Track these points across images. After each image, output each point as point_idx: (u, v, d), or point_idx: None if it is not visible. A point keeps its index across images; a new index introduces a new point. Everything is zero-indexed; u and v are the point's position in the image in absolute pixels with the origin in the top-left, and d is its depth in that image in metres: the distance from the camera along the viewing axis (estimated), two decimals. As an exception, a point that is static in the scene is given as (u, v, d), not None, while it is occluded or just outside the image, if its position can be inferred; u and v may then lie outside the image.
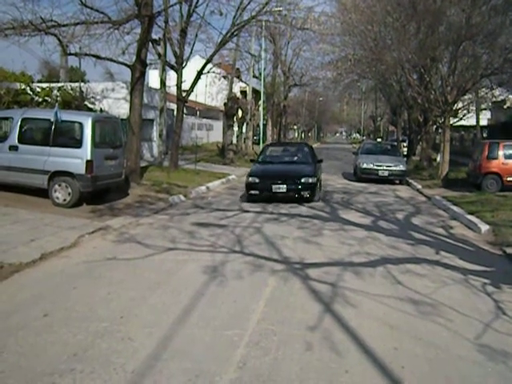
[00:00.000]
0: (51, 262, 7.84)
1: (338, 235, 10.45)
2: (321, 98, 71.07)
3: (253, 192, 14.61)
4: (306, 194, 14.51)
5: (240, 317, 5.79)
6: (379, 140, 50.77)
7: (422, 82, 23.43)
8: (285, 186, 14.38)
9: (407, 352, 4.98)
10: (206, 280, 7.10)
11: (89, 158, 11.61)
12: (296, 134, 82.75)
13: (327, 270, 7.81)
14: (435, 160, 27.88)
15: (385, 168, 21.34)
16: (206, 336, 5.20)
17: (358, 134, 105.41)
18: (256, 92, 39.65)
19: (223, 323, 5.56)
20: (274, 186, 14.38)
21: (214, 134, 45.57)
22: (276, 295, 6.61)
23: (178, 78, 22.12)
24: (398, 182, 21.74)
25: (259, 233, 10.43)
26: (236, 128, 35.44)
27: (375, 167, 21.47)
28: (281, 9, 23.92)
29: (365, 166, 21.72)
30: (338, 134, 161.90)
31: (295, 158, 16.94)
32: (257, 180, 14.60)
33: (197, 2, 20.66)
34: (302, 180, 14.55)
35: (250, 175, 15.01)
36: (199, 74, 21.69)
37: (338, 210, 13.85)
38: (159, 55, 23.08)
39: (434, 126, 27.53)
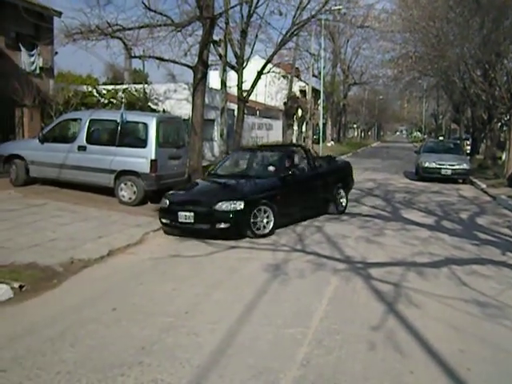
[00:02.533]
0: (118, 258, 8.11)
1: (400, 235, 10.32)
2: (381, 97, 70.12)
3: (163, 220, 10.07)
4: (222, 226, 9.44)
5: (303, 315, 5.82)
6: (441, 138, 49.61)
7: (487, 78, 22.76)
8: (193, 213, 9.58)
9: (473, 354, 4.89)
10: (269, 278, 7.16)
11: (153, 157, 11.90)
12: (356, 133, 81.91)
13: (390, 269, 7.73)
14: (500, 158, 27.03)
15: (447, 167, 20.85)
16: (269, 333, 5.26)
17: (418, 133, 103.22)
18: (315, 91, 39.52)
19: (286, 321, 5.60)
20: (180, 214, 9.67)
21: (274, 133, 45.59)
22: (338, 294, 6.61)
23: (238, 78, 22.31)
24: (461, 181, 21.18)
25: (320, 232, 10.42)
26: (296, 127, 35.42)
27: (438, 166, 21.00)
28: (340, 7, 23.79)
29: (427, 164, 21.28)
30: (398, 133, 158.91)
31: (257, 171, 11.81)
32: (167, 203, 10.15)
33: (257, 3, 20.76)
34: (217, 206, 9.50)
35: (164, 196, 10.55)
36: (259, 74, 21.79)
37: (399, 209, 13.65)
38: (220, 56, 23.33)
39: (499, 124, 26.68)
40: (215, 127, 27.91)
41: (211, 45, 19.44)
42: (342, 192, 12.67)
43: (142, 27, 15.81)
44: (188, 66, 17.35)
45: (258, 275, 7.29)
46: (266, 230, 9.89)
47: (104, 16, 15.42)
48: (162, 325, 5.38)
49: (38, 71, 20.38)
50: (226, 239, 9.42)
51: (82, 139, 12.64)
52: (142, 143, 12.08)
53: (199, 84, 16.79)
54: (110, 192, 12.37)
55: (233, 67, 23.08)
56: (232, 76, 25.79)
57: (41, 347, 4.78)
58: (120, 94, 21.07)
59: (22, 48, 19.79)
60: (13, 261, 7.14)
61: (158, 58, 16.70)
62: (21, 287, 6.28)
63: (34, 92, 17.35)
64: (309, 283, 7.04)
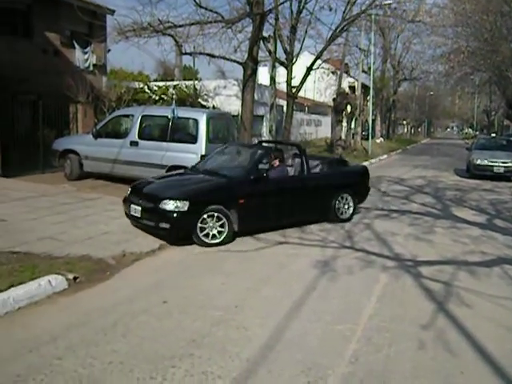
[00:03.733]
0: (169, 252, 8.23)
1: (450, 233, 10.15)
2: (431, 93, 68.77)
3: (124, 209, 9.42)
4: (164, 226, 8.41)
5: (352, 312, 5.80)
6: (494, 135, 48.36)
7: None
8: (140, 208, 8.78)
9: (528, 356, 4.78)
10: (317, 274, 7.16)
11: (203, 152, 12.02)
12: (405, 130, 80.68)
13: (440, 268, 7.62)
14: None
15: (500, 164, 20.30)
16: (317, 329, 5.26)
17: (470, 129, 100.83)
18: (365, 87, 39.07)
19: (335, 317, 5.59)
20: (131, 206, 8.95)
21: (323, 129, 45.43)
22: (388, 292, 6.56)
23: (288, 74, 22.32)
24: None
25: (369, 229, 10.33)
26: (345, 123, 35.13)
27: (490, 163, 20.46)
28: (391, 1, 23.46)
29: (479, 162, 20.76)
30: (448, 129, 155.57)
31: (229, 170, 10.11)
32: (128, 192, 9.55)
33: (306, -1, 20.71)
34: (161, 203, 8.46)
35: (132, 183, 10.02)
36: (309, 69, 21.75)
37: (450, 207, 13.39)
38: (270, 52, 23.35)
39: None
40: (264, 123, 28.01)
41: (261, 41, 19.51)
42: (349, 199, 10.95)
43: (192, 24, 16.04)
44: (238, 63, 17.48)
45: (307, 271, 7.29)
46: (217, 240, 8.57)
47: (156, 13, 15.74)
48: (212, 318, 5.44)
49: (91, 68, 20.87)
50: (166, 239, 8.55)
51: (134, 135, 12.90)
52: (193, 139, 12.24)
53: (249, 80, 16.89)
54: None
55: (282, 63, 23.09)
56: (281, 72, 25.78)
57: (94, 337, 4.90)
58: (171, 90, 21.40)
59: (77, 46, 20.30)
60: (67, 253, 7.34)
61: (208, 55, 16.91)
62: (75, 279, 6.44)
63: (88, 88, 17.80)
64: (357, 280, 7.01)
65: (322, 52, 22.69)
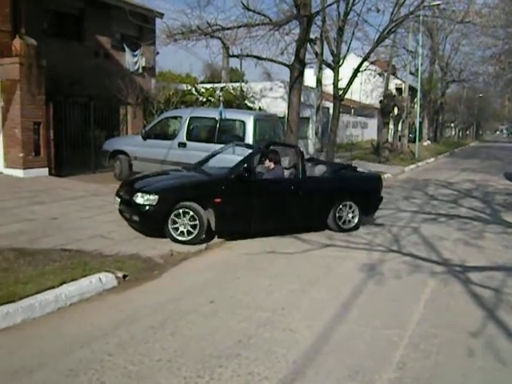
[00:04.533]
0: (215, 252, 8.33)
1: (501, 238, 9.91)
2: (480, 95, 67.22)
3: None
4: (135, 219, 8.64)
5: (399, 317, 5.72)
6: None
7: None
8: (119, 200, 9.04)
9: None
10: (364, 278, 7.10)
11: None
12: (453, 132, 79.17)
13: (490, 274, 7.44)
14: None
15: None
16: (365, 333, 5.21)
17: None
18: (412, 89, 38.53)
19: (382, 322, 5.53)
20: (116, 199, 9.18)
21: (369, 131, 45.04)
22: (436, 297, 6.46)
23: (334, 76, 22.19)
24: None
25: (416, 233, 10.19)
26: (391, 126, 34.73)
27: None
28: (439, 2, 23.02)
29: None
30: (497, 132, 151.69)
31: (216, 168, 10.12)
32: (120, 182, 10.04)
33: (354, 0, 20.52)
34: (134, 196, 8.57)
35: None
36: (356, 71, 21.56)
37: (500, 212, 13.07)
38: (316, 54, 23.31)
39: None
40: (310, 125, 27.92)
41: (308, 43, 19.46)
42: (354, 208, 10.10)
43: (240, 26, 16.12)
44: (285, 65, 17.49)
45: (354, 274, 7.25)
46: (189, 237, 8.39)
47: (204, 16, 15.89)
48: (259, 319, 5.46)
49: (140, 71, 21.26)
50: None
51: (182, 136, 13.07)
52: (240, 140, 12.30)
53: (296, 82, 16.88)
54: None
55: (329, 65, 22.99)
56: (327, 74, 25.69)
57: (143, 335, 4.98)
58: (218, 92, 21.57)
59: (127, 49, 20.70)
60: (117, 251, 7.49)
61: (255, 57, 16.98)
62: (124, 277, 6.56)
63: (137, 90, 18.13)
64: (405, 285, 6.92)
65: (369, 54, 22.44)
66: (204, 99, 20.96)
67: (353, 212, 10.13)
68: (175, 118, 14.03)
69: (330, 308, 5.87)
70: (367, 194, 10.62)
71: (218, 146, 12.36)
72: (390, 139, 33.38)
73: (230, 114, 12.94)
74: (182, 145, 12.97)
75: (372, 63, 27.79)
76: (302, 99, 17.85)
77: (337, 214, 9.95)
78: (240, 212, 9.00)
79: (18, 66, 12.95)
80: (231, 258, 7.98)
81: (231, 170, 9.17)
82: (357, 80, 22.37)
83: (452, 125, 78.27)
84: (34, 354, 4.52)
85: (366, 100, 47.33)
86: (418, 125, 37.68)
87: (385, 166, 24.91)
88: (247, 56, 17.26)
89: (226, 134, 12.82)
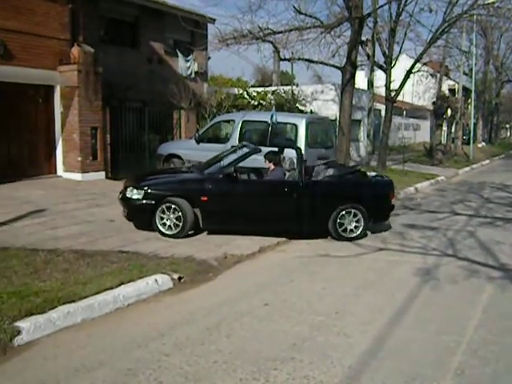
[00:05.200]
0: (269, 255, 8.37)
1: None
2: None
3: None
4: (125, 210, 9.31)
5: (456, 322, 5.62)
6: None
7: None
8: (120, 195, 9.48)
9: None
10: (419, 282, 7.00)
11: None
12: (508, 134, 76.95)
13: (553, 281, 7.23)
14: None
15: None
16: (421, 339, 5.14)
17: None
18: (466, 90, 37.69)
19: (439, 327, 5.44)
20: (120, 193, 9.59)
21: (421, 133, 44.22)
22: (494, 303, 6.31)
23: (387, 78, 21.99)
24: None
25: (473, 237, 9.97)
26: (445, 127, 34.09)
27: None
28: (494, 0, 22.46)
29: None
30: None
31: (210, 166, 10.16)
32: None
33: (406, 1, 20.27)
34: (126, 191, 9.23)
35: None
36: (408, 73, 21.30)
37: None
38: (368, 56, 23.13)
39: None
40: (361, 127, 27.65)
41: (359, 45, 19.34)
42: (359, 216, 9.43)
43: (291, 30, 16.19)
44: (336, 67, 17.45)
45: (409, 279, 7.15)
46: (174, 231, 8.78)
47: (255, 21, 16.02)
48: (313, 323, 5.46)
49: (193, 75, 21.54)
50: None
51: (235, 139, 13.19)
52: (292, 143, 12.32)
53: (347, 85, 16.81)
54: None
55: (380, 67, 22.80)
56: (378, 75, 25.45)
57: (199, 336, 5.05)
58: (269, 95, 21.64)
59: (179, 54, 21.02)
60: (172, 253, 7.63)
61: (307, 60, 16.99)
62: (180, 278, 6.67)
63: (190, 95, 18.40)
64: (461, 290, 6.79)
65: (421, 55, 22.12)
66: (255, 103, 21.07)
67: (357, 221, 9.46)
68: (228, 121, 14.19)
69: (385, 313, 5.82)
70: (374, 201, 9.77)
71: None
72: (443, 141, 32.76)
73: (282, 118, 12.99)
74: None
75: (424, 64, 27.41)
76: (353, 101, 17.75)
77: (338, 221, 9.35)
78: (227, 211, 9.11)
79: (76, 73, 13.37)
80: (285, 261, 8.01)
81: (220, 169, 9.38)
82: (409, 81, 22.07)
83: (507, 126, 76.11)
84: (93, 352, 4.64)
85: (418, 101, 46.55)
86: (472, 126, 36.85)
87: (438, 169, 24.49)
88: (298, 59, 17.31)
89: (278, 137, 12.87)
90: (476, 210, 13.05)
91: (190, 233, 8.94)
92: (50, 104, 13.86)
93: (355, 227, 9.46)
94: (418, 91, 43.76)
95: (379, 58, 23.17)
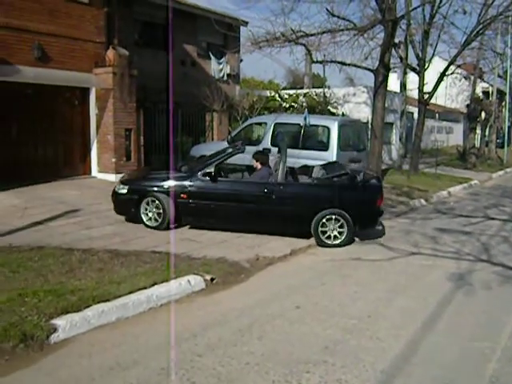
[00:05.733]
0: (300, 257, 8.38)
1: None
2: None
3: None
4: (113, 203, 10.20)
5: (490, 329, 5.55)
6: None
7: None
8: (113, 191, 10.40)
9: None
10: (452, 287, 6.92)
11: (334, 160, 12.06)
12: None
13: None
14: None
15: None
16: (454, 345, 5.09)
17: None
18: (500, 92, 37.05)
19: (472, 334, 5.38)
20: None
21: (454, 137, 43.66)
22: (530, 310, 6.22)
23: (420, 80, 21.78)
24: None
25: (507, 242, 9.83)
26: (478, 131, 33.58)
27: None
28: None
29: None
30: None
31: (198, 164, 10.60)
32: None
33: (440, 3, 20.02)
34: (116, 187, 10.18)
35: None
36: (442, 75, 21.04)
37: None
38: (401, 58, 22.92)
39: None
40: (393, 130, 27.44)
41: (392, 47, 19.18)
42: (342, 222, 9.03)
43: (324, 32, 16.13)
44: (369, 70, 17.33)
45: (442, 284, 7.08)
46: (155, 224, 9.40)
47: (288, 23, 16.00)
48: (345, 326, 5.45)
49: (225, 78, 21.67)
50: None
51: (267, 142, 13.22)
52: (324, 146, 12.35)
53: (380, 87, 16.70)
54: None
55: (413, 69, 22.58)
56: (410, 78, 25.22)
57: (231, 337, 5.08)
58: (301, 98, 21.62)
59: (212, 57, 21.17)
60: (204, 254, 7.69)
61: (340, 63, 16.91)
62: (212, 280, 6.72)
63: (222, 97, 18.50)
64: (496, 296, 6.71)
65: (455, 57, 21.82)
66: (287, 105, 21.09)
67: (340, 227, 9.07)
68: (260, 124, 14.25)
69: (418, 318, 5.77)
70: (359, 207, 9.30)
71: (303, 152, 12.50)
72: (476, 144, 32.29)
73: (314, 120, 12.98)
74: (267, 150, 13.09)
75: (458, 66, 27.02)
76: (385, 104, 17.63)
77: (319, 228, 9.05)
78: (205, 209, 9.41)
79: (111, 75, 13.59)
80: (316, 264, 8.01)
81: (200, 168, 9.63)
82: (442, 84, 21.81)
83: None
84: (127, 351, 4.72)
85: (451, 104, 45.87)
86: (506, 129, 36.21)
87: (471, 172, 24.13)
88: (331, 62, 17.23)
89: (310, 139, 12.89)
90: (510, 215, 12.83)
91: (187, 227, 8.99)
92: (85, 106, 14.11)
93: (339, 233, 9.10)
94: (451, 94, 43.13)
95: (412, 60, 22.95)
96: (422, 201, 14.81)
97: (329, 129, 12.41)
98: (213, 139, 18.78)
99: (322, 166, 10.31)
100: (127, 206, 9.76)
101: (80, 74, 13.49)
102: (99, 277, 6.36)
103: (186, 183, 9.46)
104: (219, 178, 9.59)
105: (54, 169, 13.42)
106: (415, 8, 19.90)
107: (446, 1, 20.12)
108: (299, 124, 12.78)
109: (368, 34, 17.25)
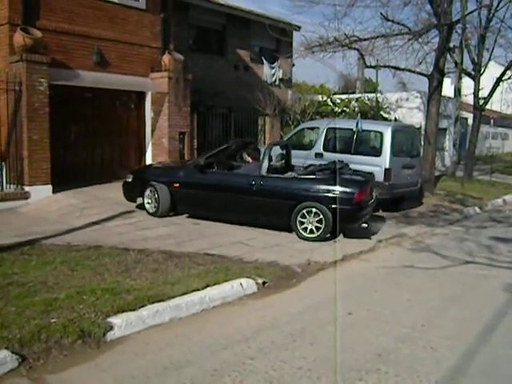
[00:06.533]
0: (352, 263, 8.33)
1: None
2: None
3: None
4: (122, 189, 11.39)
5: (549, 343, 5.40)
6: None
7: None
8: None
9: None
10: (508, 298, 6.74)
11: (387, 166, 11.96)
12: None
13: None
14: None
15: None
16: (511, 358, 4.97)
17: None
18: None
19: (531, 347, 5.25)
20: None
21: (510, 143, 42.57)
22: None
23: (475, 85, 21.32)
24: None
25: None
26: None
27: None
28: None
29: None
30: None
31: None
32: None
33: (497, 6, 19.56)
34: (127, 176, 11.53)
35: None
36: (498, 80, 20.55)
37: None
38: (456, 63, 22.49)
39: None
40: (447, 136, 26.96)
41: (447, 52, 18.85)
42: (321, 217, 9.21)
43: (378, 37, 15.99)
44: (423, 75, 17.10)
45: (498, 294, 6.90)
46: (153, 210, 10.49)
47: (341, 28, 15.96)
48: (398, 334, 5.39)
49: (277, 82, 21.74)
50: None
51: (319, 147, 13.23)
52: (377, 152, 12.23)
53: (434, 93, 16.46)
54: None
55: (469, 74, 22.13)
56: (465, 83, 24.75)
57: (283, 341, 5.09)
58: (353, 102, 21.50)
59: (265, 61, 21.28)
60: (256, 258, 7.76)
61: (393, 68, 16.76)
62: (264, 283, 6.77)
63: (275, 102, 18.61)
64: (555, 309, 6.50)
65: (512, 62, 21.28)
66: (339, 110, 21.01)
67: (318, 221, 9.24)
68: (312, 128, 14.23)
69: (473, 328, 5.65)
70: (336, 201, 9.26)
71: (355, 157, 12.42)
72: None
73: (367, 125, 12.88)
74: (318, 155, 13.10)
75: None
76: (439, 110, 17.35)
77: (298, 219, 9.35)
78: (194, 198, 10.40)
79: (166, 79, 13.85)
80: (368, 270, 7.95)
81: (193, 161, 10.96)
82: (497, 89, 21.29)
83: None
84: (181, 351, 4.79)
85: (507, 110, 44.70)
86: None
87: (529, 180, 23.40)
88: (385, 66, 17.11)
89: (362, 145, 12.80)
90: None
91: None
92: (141, 109, 14.44)
93: (316, 227, 9.26)
94: (507, 99, 42.05)
95: (467, 64, 22.50)
96: (477, 209, 14.50)
97: (382, 134, 12.27)
98: (265, 143, 18.87)
99: (318, 164, 10.80)
100: (131, 192, 10.95)
101: (136, 78, 13.82)
102: (154, 277, 6.50)
103: (179, 174, 10.63)
104: (208, 170, 10.35)
105: (111, 170, 13.77)
106: (471, 12, 19.49)
107: (504, 4, 19.67)
108: (352, 129, 12.71)
109: (422, 39, 17.02)
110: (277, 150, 12.46)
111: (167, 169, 11.39)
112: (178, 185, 10.38)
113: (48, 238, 8.33)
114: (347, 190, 9.38)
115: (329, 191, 9.36)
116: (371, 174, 10.70)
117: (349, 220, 9.48)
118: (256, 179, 9.78)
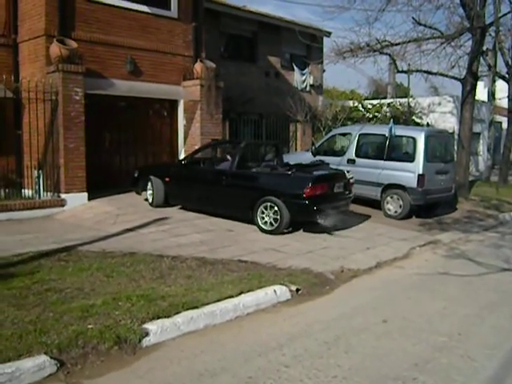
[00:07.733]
0: (385, 270, 8.26)
1: None
2: None
3: None
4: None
5: None
6: None
7: None
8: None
9: None
10: (548, 307, 6.62)
11: (421, 172, 11.85)
12: None
13: None
14: None
15: None
16: (552, 368, 4.87)
17: None
18: None
19: None
20: None
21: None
22: None
23: (509, 89, 21.00)
24: None
25: None
26: None
27: None
28: None
29: None
30: None
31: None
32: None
33: (531, 8, 19.21)
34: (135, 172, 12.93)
35: None
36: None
37: None
38: (489, 66, 22.18)
39: None
40: (481, 141, 26.59)
41: (480, 55, 18.61)
42: (277, 210, 9.78)
43: (409, 41, 15.89)
44: (456, 79, 16.91)
45: (537, 304, 6.78)
46: (150, 201, 11.75)
47: (372, 33, 15.88)
48: (435, 343, 5.32)
49: (308, 89, 21.74)
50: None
51: (351, 153, 13.18)
52: (410, 157, 12.13)
53: (468, 97, 16.26)
54: (374, 204, 12.67)
55: (503, 77, 21.81)
56: (499, 86, 24.37)
57: (317, 349, 5.07)
58: (384, 108, 21.35)
59: (295, 68, 21.32)
60: (289, 265, 7.75)
61: (426, 72, 16.62)
62: (297, 290, 6.75)
63: (306, 108, 18.60)
64: None
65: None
66: (370, 115, 20.88)
67: (275, 214, 9.83)
68: (344, 134, 14.18)
69: (511, 337, 5.55)
70: (290, 196, 9.81)
71: (388, 163, 12.36)
72: None
73: (400, 131, 12.78)
74: (351, 161, 13.04)
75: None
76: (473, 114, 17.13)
77: (258, 213, 10.06)
78: (181, 190, 11.57)
79: (198, 87, 13.95)
80: (402, 277, 7.88)
81: (184, 158, 12.40)
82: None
83: None
84: (216, 358, 4.80)
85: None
86: None
87: None
88: (417, 71, 16.96)
89: (395, 150, 12.69)
90: None
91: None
92: (173, 117, 14.59)
93: (274, 220, 9.86)
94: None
95: (501, 67, 22.18)
96: (513, 214, 14.25)
97: (415, 140, 12.15)
98: (296, 149, 18.89)
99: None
100: (135, 185, 12.27)
101: (169, 86, 13.96)
102: (188, 284, 6.54)
103: (171, 169, 11.97)
104: (191, 166, 11.69)
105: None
106: (505, 14, 19.16)
107: (538, 6, 19.33)
108: (384, 135, 12.62)
109: (455, 42, 16.84)
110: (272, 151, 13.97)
111: (163, 165, 13.18)
112: (168, 179, 11.56)
113: (84, 245, 8.47)
114: (299, 184, 9.86)
115: (282, 186, 10.06)
116: (341, 171, 11.15)
117: (301, 214, 9.91)
118: (226, 174, 10.74)
